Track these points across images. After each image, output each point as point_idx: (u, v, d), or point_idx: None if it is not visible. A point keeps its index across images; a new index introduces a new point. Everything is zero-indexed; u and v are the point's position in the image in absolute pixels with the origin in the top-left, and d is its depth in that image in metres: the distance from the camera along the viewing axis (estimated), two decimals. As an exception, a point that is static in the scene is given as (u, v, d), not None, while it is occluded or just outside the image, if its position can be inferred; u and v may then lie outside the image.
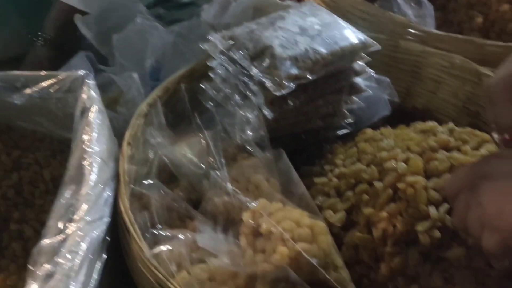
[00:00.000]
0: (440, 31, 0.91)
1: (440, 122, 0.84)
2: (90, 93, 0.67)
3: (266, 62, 0.65)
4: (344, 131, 0.77)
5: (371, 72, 0.74)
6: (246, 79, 0.67)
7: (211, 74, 0.73)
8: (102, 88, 0.76)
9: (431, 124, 0.66)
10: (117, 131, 0.69)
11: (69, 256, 0.48)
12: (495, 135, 0.50)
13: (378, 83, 0.79)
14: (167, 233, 0.54)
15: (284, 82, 0.64)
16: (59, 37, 1.05)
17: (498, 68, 0.51)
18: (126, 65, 0.86)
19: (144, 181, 0.60)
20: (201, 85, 0.74)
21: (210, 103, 0.73)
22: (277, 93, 0.63)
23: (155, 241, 0.54)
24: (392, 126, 0.74)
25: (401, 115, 0.82)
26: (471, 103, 0.81)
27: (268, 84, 0.64)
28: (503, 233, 0.44)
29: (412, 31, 0.86)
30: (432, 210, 0.55)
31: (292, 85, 0.64)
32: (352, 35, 0.71)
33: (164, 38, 0.87)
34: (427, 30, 0.86)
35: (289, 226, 0.50)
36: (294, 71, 0.65)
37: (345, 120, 0.75)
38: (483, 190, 0.46)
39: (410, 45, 0.85)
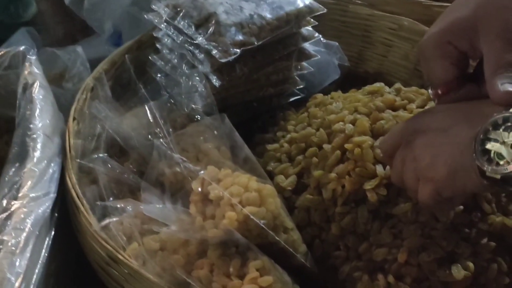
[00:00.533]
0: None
1: (392, 85, 0.86)
2: (31, 68, 0.65)
3: (211, 29, 0.64)
4: (296, 97, 0.77)
5: (319, 36, 0.74)
6: (192, 48, 0.66)
7: (158, 45, 0.72)
8: (46, 64, 0.74)
9: (379, 85, 0.67)
10: (65, 108, 0.68)
11: (13, 233, 0.47)
12: (430, 91, 0.51)
13: (327, 47, 0.79)
14: (116, 205, 0.53)
15: (229, 48, 0.63)
16: None
17: (430, 27, 0.51)
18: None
19: (91, 155, 0.59)
20: (149, 57, 0.72)
21: (159, 74, 0.72)
22: (223, 60, 0.63)
23: (104, 214, 0.54)
24: (345, 91, 0.75)
25: (354, 80, 0.83)
26: (422, 65, 0.82)
27: (214, 51, 0.63)
28: (435, 183, 0.45)
29: (361, -6, 0.87)
30: (378, 168, 0.56)
31: (238, 51, 0.63)
32: (298, 0, 0.70)
33: (120, 2, 0.84)
34: (375, -7, 0.86)
35: (237, 191, 0.50)
36: (239, 37, 0.64)
37: (297, 86, 0.75)
38: (416, 145, 0.47)
39: (359, 9, 0.85)
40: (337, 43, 0.80)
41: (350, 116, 0.61)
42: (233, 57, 0.63)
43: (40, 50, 0.75)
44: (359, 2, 0.86)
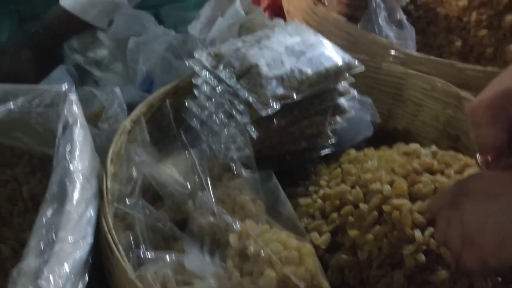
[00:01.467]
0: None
1: (421, 145, 0.85)
2: (72, 108, 0.65)
3: (252, 81, 0.65)
4: (327, 151, 0.77)
5: (355, 92, 0.75)
6: (232, 97, 0.67)
7: (195, 92, 0.73)
8: (83, 103, 0.75)
9: (414, 146, 0.67)
10: (99, 148, 0.68)
11: (51, 278, 0.47)
12: (478, 157, 0.51)
13: (361, 103, 0.80)
14: (152, 254, 0.53)
15: (270, 101, 0.64)
16: (51, 38, 0.95)
17: (481, 92, 0.52)
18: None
19: (128, 200, 0.59)
20: (185, 102, 0.73)
21: (195, 120, 0.73)
22: (263, 113, 0.63)
23: (140, 262, 0.53)
24: (374, 147, 0.75)
25: (382, 136, 0.82)
26: (452, 127, 0.82)
27: (254, 103, 0.63)
28: (482, 250, 0.44)
29: (394, 53, 0.88)
30: (417, 233, 0.55)
31: (278, 105, 0.64)
32: (336, 56, 0.71)
33: (156, 49, 0.86)
34: (408, 52, 0.87)
35: (276, 248, 0.50)
36: (280, 90, 0.65)
37: (329, 141, 0.76)
38: (465, 208, 0.47)
39: (392, 67, 0.86)
40: (370, 100, 0.81)
41: (387, 176, 0.61)
42: (273, 110, 0.63)
43: (78, 88, 0.76)
44: (393, 60, 0.88)
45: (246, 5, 0.90)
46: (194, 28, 0.88)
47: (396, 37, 0.90)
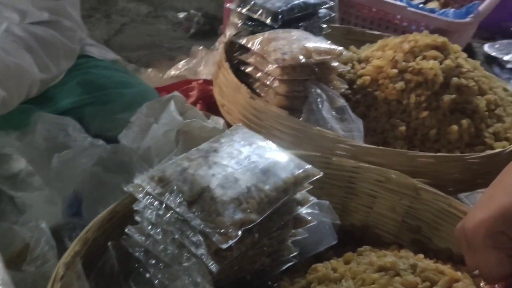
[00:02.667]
0: (366, 140, 0.90)
1: (381, 239, 0.81)
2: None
3: (206, 207, 0.57)
4: (289, 264, 0.69)
5: (314, 199, 0.69)
6: (183, 226, 0.58)
7: (137, 218, 0.63)
8: (2, 239, 0.64)
9: (390, 260, 0.61)
10: (25, 297, 0.57)
11: None
12: (482, 285, 0.46)
13: (319, 207, 0.74)
14: None
15: (229, 230, 0.56)
16: None
17: (474, 209, 0.47)
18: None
19: None
20: (125, 230, 0.64)
21: (137, 248, 0.63)
22: (224, 246, 0.55)
23: None
24: (335, 248, 0.69)
25: (340, 233, 0.77)
26: (411, 218, 0.79)
27: (212, 235, 0.55)
28: None
29: (342, 145, 0.83)
30: None
31: (239, 233, 0.56)
32: (291, 164, 0.66)
33: (83, 164, 0.76)
34: (357, 144, 0.83)
35: None
36: (238, 215, 0.57)
37: (291, 254, 0.68)
38: None
39: (343, 161, 0.81)
40: (328, 202, 0.75)
41: (370, 304, 0.54)
42: (234, 240, 0.56)
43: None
44: (341, 152, 0.83)
45: (180, 106, 0.83)
46: (126, 137, 0.79)
47: (342, 129, 0.86)
